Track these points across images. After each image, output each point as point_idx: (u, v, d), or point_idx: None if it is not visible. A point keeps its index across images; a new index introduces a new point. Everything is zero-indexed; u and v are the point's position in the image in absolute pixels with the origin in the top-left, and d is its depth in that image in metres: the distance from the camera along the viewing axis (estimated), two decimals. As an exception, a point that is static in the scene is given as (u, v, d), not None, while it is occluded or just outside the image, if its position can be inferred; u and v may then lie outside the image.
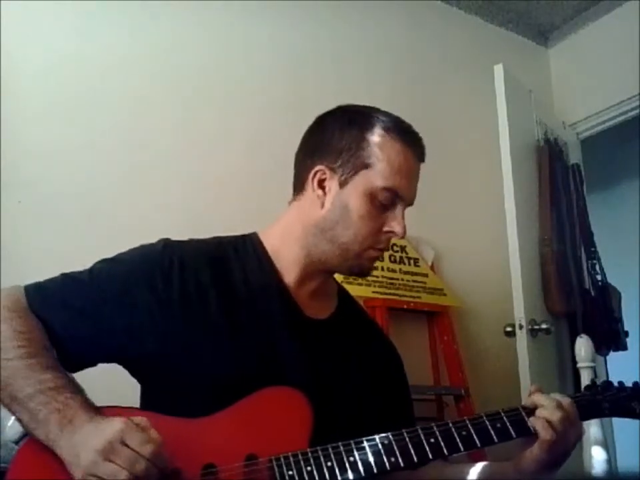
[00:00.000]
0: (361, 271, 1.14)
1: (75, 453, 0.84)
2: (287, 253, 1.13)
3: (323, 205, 1.09)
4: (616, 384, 1.06)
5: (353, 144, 1.09)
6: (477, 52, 3.08)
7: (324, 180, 1.10)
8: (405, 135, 1.10)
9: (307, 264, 1.12)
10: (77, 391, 0.93)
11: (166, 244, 1.09)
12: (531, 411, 0.99)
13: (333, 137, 1.11)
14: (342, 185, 1.08)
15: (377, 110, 1.14)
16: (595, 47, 3.21)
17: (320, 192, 1.10)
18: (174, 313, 1.02)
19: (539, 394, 1.01)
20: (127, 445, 0.82)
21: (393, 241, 1.14)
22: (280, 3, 2.51)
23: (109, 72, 2.13)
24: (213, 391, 0.98)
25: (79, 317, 1.01)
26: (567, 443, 0.98)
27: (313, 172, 1.11)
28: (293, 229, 1.13)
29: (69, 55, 2.08)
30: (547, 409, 0.97)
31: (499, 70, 2.47)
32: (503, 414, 0.98)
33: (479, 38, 3.17)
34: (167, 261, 1.05)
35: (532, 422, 0.97)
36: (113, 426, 0.84)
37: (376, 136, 1.09)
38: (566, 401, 1.00)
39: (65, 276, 1.06)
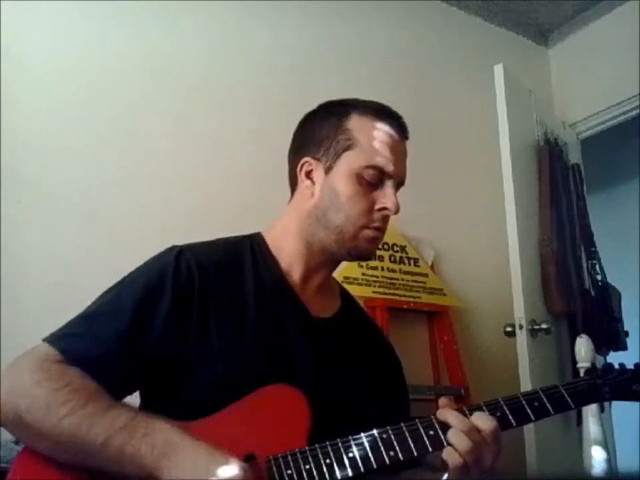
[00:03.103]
0: (360, 253, 1.13)
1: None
2: (288, 250, 1.14)
3: (312, 195, 1.12)
4: (617, 366, 1.01)
5: (332, 131, 1.12)
6: (477, 52, 3.08)
7: (311, 171, 1.14)
8: (383, 114, 1.13)
9: (308, 257, 1.13)
10: (150, 414, 0.90)
11: (179, 251, 1.07)
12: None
13: (314, 131, 1.15)
14: (327, 171, 1.11)
15: (355, 99, 1.17)
16: (595, 47, 3.21)
17: (308, 182, 1.13)
18: (193, 319, 1.01)
19: (448, 410, 0.93)
20: None
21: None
22: (280, 3, 2.52)
23: (109, 72, 2.13)
24: (225, 393, 0.97)
25: (110, 345, 0.96)
26: (481, 467, 0.90)
27: (299, 165, 1.14)
28: (290, 226, 1.15)
29: (70, 55, 2.08)
30: (457, 435, 0.89)
31: (498, 70, 2.47)
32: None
33: (479, 38, 3.17)
34: (183, 268, 1.04)
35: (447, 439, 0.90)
36: (235, 470, 0.82)
37: (353, 119, 1.12)
38: (485, 423, 0.91)
39: (83, 316, 1.01)
